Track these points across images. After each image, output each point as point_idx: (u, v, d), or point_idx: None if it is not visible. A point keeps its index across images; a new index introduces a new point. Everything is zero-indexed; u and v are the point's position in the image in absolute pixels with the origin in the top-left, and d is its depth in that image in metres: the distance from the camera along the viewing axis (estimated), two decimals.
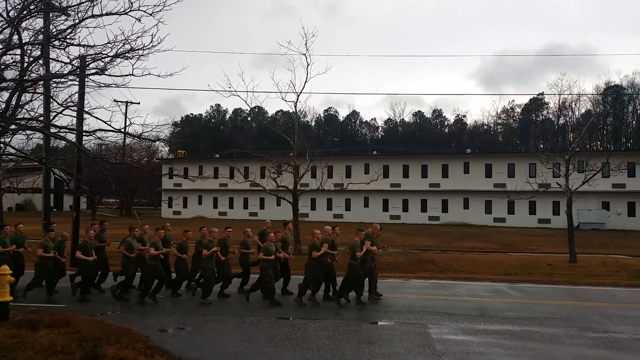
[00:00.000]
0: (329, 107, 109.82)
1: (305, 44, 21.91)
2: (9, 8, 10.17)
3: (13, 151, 13.34)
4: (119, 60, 10.35)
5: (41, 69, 12.29)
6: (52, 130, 12.65)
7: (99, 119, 11.48)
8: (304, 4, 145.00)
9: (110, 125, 11.32)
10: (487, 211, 48.51)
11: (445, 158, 52.21)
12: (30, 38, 10.70)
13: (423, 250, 25.14)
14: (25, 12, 10.09)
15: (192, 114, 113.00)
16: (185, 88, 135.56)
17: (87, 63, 11.17)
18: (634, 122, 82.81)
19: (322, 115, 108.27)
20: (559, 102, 69.44)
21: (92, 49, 10.42)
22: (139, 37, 10.03)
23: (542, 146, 67.18)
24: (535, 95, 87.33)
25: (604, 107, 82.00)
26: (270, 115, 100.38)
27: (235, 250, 13.62)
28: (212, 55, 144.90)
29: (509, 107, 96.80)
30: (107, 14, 9.88)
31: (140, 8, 9.76)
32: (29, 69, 10.74)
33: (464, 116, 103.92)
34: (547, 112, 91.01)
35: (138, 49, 10.15)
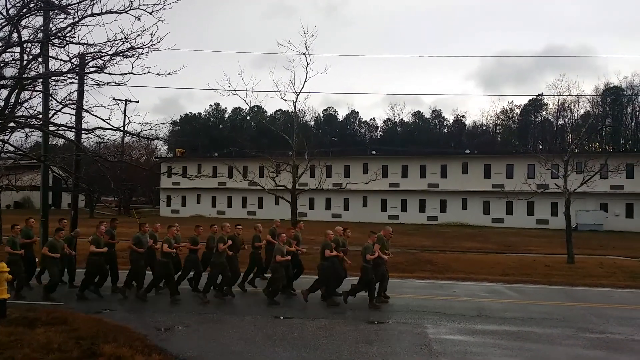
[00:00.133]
0: (328, 107, 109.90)
1: (305, 44, 21.90)
2: (9, 6, 10.16)
3: (12, 149, 13.28)
4: (118, 58, 10.34)
5: (40, 67, 12.27)
6: (51, 128, 12.64)
7: (98, 117, 11.48)
8: (304, 4, 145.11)
9: (109, 123, 11.32)
10: (486, 212, 48.56)
11: (444, 158, 52.26)
12: (30, 36, 10.69)
13: (421, 250, 25.16)
14: (24, 10, 10.09)
15: (191, 113, 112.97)
16: (184, 87, 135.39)
17: (86, 61, 11.17)
18: (633, 123, 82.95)
19: (322, 114, 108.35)
20: (558, 103, 69.73)
21: (91, 47, 10.42)
22: (138, 35, 10.02)
23: (540, 147, 67.07)
24: (535, 96, 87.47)
25: (602, 108, 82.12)
26: (269, 114, 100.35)
27: (247, 246, 13.77)
28: (212, 54, 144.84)
29: (508, 108, 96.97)
30: (106, 13, 9.87)
31: (140, 7, 9.75)
32: (28, 66, 10.73)
33: (463, 117, 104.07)
34: (546, 113, 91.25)
35: (137, 48, 10.14)
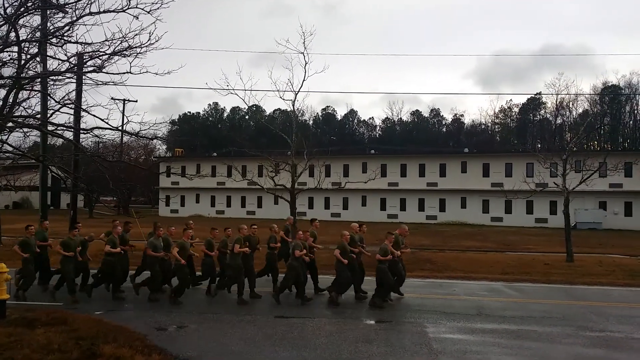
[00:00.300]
0: (327, 106, 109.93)
1: (304, 43, 21.85)
2: (6, 5, 10.15)
3: (10, 149, 13.27)
4: (116, 57, 10.34)
5: (38, 66, 12.26)
6: (50, 127, 12.62)
7: (97, 117, 11.49)
8: (302, 3, 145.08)
9: (107, 123, 11.33)
10: (485, 210, 48.59)
11: (442, 157, 52.26)
12: (28, 35, 10.67)
13: (420, 249, 25.13)
14: (22, 10, 10.07)
15: (189, 112, 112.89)
16: (182, 86, 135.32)
17: (84, 61, 11.16)
18: (631, 122, 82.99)
19: (320, 114, 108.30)
20: (556, 101, 69.71)
21: (89, 47, 10.42)
22: (136, 34, 10.02)
23: (539, 146, 67.28)
24: (533, 95, 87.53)
25: (601, 107, 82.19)
26: (268, 113, 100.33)
27: (262, 247, 13.77)
28: (210, 53, 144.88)
29: (506, 107, 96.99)
30: (104, 12, 9.86)
31: (138, 6, 9.75)
32: (27, 66, 10.71)
33: (462, 115, 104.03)
34: (545, 111, 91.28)
35: (136, 47, 10.14)
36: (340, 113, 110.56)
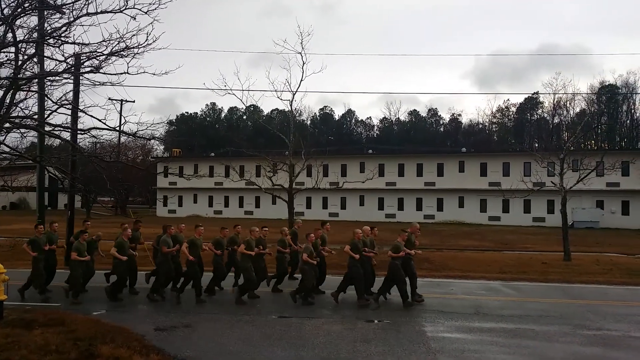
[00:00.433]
0: (325, 106, 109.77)
1: (301, 43, 21.89)
2: (3, 6, 10.12)
3: (7, 149, 13.23)
4: (114, 58, 10.32)
5: (36, 67, 12.23)
6: (47, 128, 12.60)
7: (94, 117, 11.46)
8: (300, 3, 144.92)
9: (105, 123, 11.31)
10: (482, 210, 48.68)
11: (440, 157, 52.35)
12: (25, 36, 10.65)
13: (418, 249, 25.17)
14: (19, 10, 10.05)
15: (187, 113, 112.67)
16: (180, 86, 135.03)
17: (82, 61, 11.12)
18: (628, 121, 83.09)
19: (318, 114, 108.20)
20: (553, 101, 69.92)
21: (87, 47, 10.39)
22: (134, 35, 10.00)
23: (536, 145, 67.33)
24: (530, 95, 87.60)
25: (598, 106, 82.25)
26: (265, 113, 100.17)
27: (272, 251, 13.75)
28: (208, 53, 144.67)
29: (503, 106, 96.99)
30: (102, 12, 9.85)
31: (135, 6, 9.73)
32: (24, 67, 10.68)
33: (459, 115, 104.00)
34: (542, 111, 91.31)
35: (133, 47, 10.12)
36: (338, 113, 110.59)
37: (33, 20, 11.54)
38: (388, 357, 8.36)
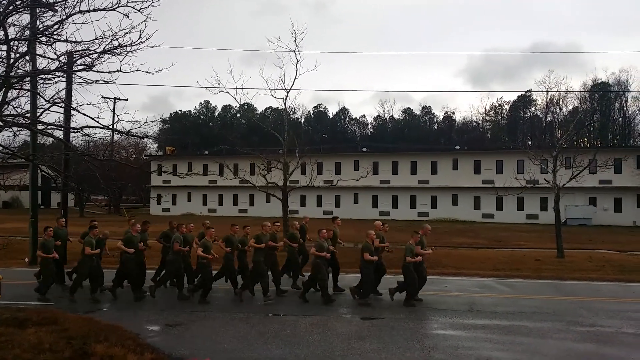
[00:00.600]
0: (319, 104, 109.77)
1: (295, 41, 21.89)
2: None
3: None
4: (107, 56, 10.25)
5: (28, 65, 12.14)
6: (39, 127, 12.51)
7: (87, 116, 11.39)
8: (293, 1, 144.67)
9: (98, 121, 11.24)
10: (476, 207, 48.81)
11: (434, 154, 52.44)
12: (17, 34, 10.56)
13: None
14: (11, 8, 9.97)
15: (180, 111, 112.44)
16: (173, 85, 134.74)
17: (74, 59, 11.05)
18: (620, 118, 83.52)
19: (312, 112, 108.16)
20: (546, 99, 70.21)
21: (79, 45, 10.31)
22: (127, 33, 9.93)
23: (530, 143, 67.74)
24: (524, 93, 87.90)
25: (591, 104, 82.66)
26: (259, 112, 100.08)
27: (282, 243, 13.77)
28: (201, 51, 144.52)
29: (497, 104, 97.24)
30: (94, 10, 9.77)
31: (128, 4, 9.67)
32: (16, 65, 10.61)
33: (453, 113, 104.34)
34: (535, 109, 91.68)
35: (126, 45, 10.05)
36: (332, 111, 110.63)
37: (25, 18, 11.48)
38: (382, 354, 8.38)
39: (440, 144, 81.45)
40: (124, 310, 11.66)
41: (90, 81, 11.31)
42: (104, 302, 12.41)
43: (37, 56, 11.58)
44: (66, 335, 8.61)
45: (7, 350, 7.76)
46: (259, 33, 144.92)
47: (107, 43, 10.00)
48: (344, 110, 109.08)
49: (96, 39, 10.01)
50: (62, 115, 13.20)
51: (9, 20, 10.14)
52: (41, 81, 12.08)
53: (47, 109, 12.15)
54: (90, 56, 10.31)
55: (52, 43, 10.41)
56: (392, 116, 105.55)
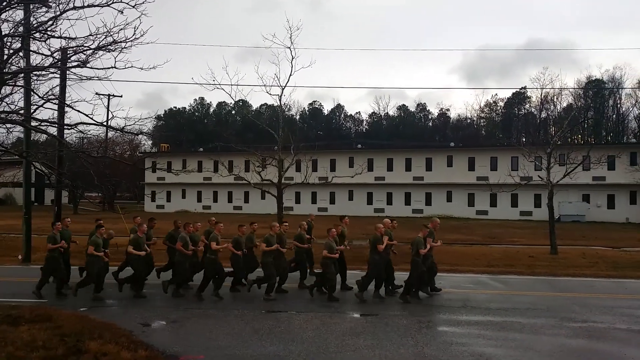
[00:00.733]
0: (314, 101, 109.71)
1: (290, 37, 21.78)
2: None
3: None
4: (101, 52, 10.22)
5: (21, 61, 12.10)
6: (33, 123, 12.47)
7: (81, 112, 11.36)
8: None
9: (92, 118, 11.20)
10: (470, 204, 48.97)
11: (429, 151, 52.57)
12: (10, 30, 10.51)
13: (406, 243, 25.23)
14: (5, 4, 9.93)
15: (175, 107, 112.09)
16: (168, 81, 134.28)
17: (68, 55, 11.03)
18: (614, 115, 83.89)
19: (307, 108, 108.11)
20: (541, 96, 70.11)
21: (73, 42, 10.28)
22: (121, 29, 9.91)
23: (524, 139, 67.63)
24: (518, 90, 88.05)
25: (585, 101, 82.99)
26: (254, 108, 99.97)
27: (291, 245, 13.71)
28: (196, 48, 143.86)
29: (491, 101, 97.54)
30: (88, 6, 9.75)
31: (123, 0, 9.66)
32: (9, 61, 10.56)
33: (448, 110, 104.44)
34: (529, 105, 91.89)
35: (120, 42, 10.03)
36: (327, 108, 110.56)
37: (19, 14, 11.40)
38: (376, 351, 8.41)
39: (434, 141, 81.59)
40: (118, 308, 11.64)
41: (85, 78, 11.27)
42: (100, 300, 12.36)
43: (31, 52, 11.54)
44: (60, 332, 8.58)
45: (0, 347, 7.73)
46: (254, 30, 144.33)
47: (101, 39, 9.99)
48: (339, 107, 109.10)
49: (90, 35, 9.99)
50: (56, 112, 13.16)
51: (3, 16, 10.11)
52: (35, 78, 12.02)
53: (41, 105, 12.12)
54: (85, 52, 10.29)
55: (46, 39, 10.37)
56: (387, 113, 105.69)
